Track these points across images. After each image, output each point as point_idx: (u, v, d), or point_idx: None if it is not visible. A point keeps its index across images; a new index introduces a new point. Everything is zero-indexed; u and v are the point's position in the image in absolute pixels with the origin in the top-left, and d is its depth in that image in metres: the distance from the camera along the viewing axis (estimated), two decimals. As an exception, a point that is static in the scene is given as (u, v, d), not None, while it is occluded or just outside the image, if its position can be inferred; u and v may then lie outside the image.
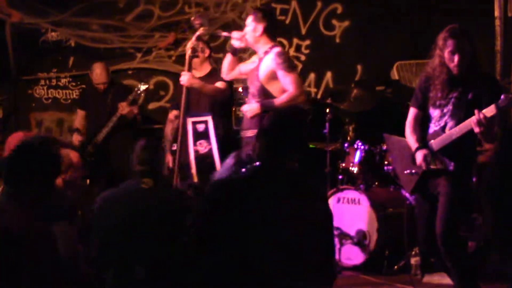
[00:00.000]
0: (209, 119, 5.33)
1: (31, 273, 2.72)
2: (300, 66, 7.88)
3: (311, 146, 6.26)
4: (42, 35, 7.79)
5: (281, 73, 4.89)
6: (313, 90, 7.92)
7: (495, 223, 5.47)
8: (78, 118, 7.01)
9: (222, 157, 3.86)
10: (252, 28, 5.02)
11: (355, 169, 5.89)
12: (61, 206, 3.28)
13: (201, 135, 5.31)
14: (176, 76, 7.84)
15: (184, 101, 5.46)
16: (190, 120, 5.35)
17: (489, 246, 5.40)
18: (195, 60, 5.73)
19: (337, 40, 7.91)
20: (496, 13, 6.61)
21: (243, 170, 3.19)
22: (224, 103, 5.77)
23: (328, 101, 6.31)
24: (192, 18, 5.39)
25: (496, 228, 5.46)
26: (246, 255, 2.92)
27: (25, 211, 2.85)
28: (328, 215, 3.12)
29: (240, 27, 7.71)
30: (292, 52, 7.84)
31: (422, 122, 4.41)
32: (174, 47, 7.92)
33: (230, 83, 5.83)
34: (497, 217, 5.47)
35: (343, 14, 7.88)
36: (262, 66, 5.00)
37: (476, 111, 3.96)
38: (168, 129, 6.27)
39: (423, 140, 4.34)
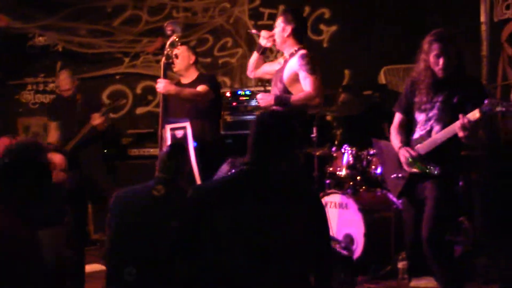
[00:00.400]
0: (187, 125, 5.31)
1: (14, 279, 2.70)
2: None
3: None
4: (29, 40, 7.77)
5: (302, 75, 4.88)
6: (301, 94, 7.93)
7: (485, 226, 5.50)
8: (52, 131, 6.95)
9: (208, 163, 3.85)
10: (280, 28, 5.01)
11: (342, 173, 5.89)
12: (48, 211, 3.27)
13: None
14: (164, 81, 7.89)
15: (162, 108, 5.43)
16: (168, 127, 5.33)
17: (476, 250, 5.41)
18: (180, 67, 5.70)
19: (325, 45, 7.93)
20: (482, 18, 6.63)
21: (232, 171, 3.18)
22: (211, 107, 5.73)
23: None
24: (165, 25, 5.35)
25: (486, 231, 5.48)
26: (233, 259, 2.90)
27: (10, 216, 2.83)
28: (322, 216, 3.09)
29: (228, 31, 7.77)
30: (279, 56, 7.84)
31: (408, 126, 4.44)
32: (161, 51, 7.88)
33: (216, 87, 5.80)
34: (487, 220, 5.49)
35: (331, 18, 7.90)
36: (286, 68, 5.01)
37: (460, 116, 3.98)
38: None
39: (407, 144, 4.36)
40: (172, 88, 5.42)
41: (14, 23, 7.31)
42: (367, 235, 5.47)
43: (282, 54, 5.23)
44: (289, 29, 4.99)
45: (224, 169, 3.71)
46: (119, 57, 7.91)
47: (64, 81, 6.84)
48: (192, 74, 5.81)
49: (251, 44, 7.74)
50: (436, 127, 4.22)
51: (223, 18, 7.78)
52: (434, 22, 7.28)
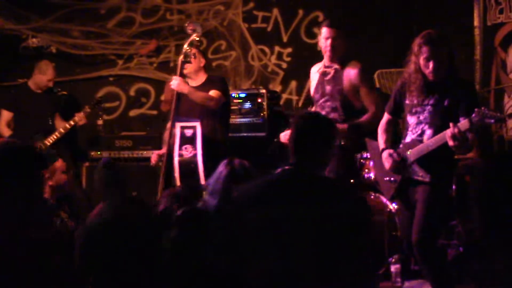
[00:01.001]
0: (197, 125, 5.34)
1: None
2: (281, 73, 7.90)
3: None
4: (22, 41, 7.74)
5: (364, 91, 4.91)
6: (294, 97, 7.93)
7: (480, 229, 5.49)
8: (3, 121, 6.90)
9: (217, 163, 3.78)
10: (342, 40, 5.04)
11: (335, 177, 5.88)
12: (39, 213, 3.25)
13: (188, 140, 5.33)
14: (157, 83, 7.89)
15: (174, 105, 5.46)
16: (178, 125, 5.37)
17: (470, 254, 5.42)
18: (190, 70, 5.68)
19: (319, 48, 7.93)
20: (476, 22, 6.66)
21: (277, 171, 3.18)
22: (221, 108, 5.68)
23: (310, 109, 6.32)
24: (186, 24, 5.37)
25: (481, 234, 5.48)
26: (272, 259, 2.90)
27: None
28: (362, 217, 3.09)
29: (223, 34, 7.76)
30: (273, 59, 7.86)
31: (394, 125, 4.47)
32: (155, 54, 7.90)
33: (227, 91, 5.77)
34: (482, 223, 5.49)
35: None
36: (345, 79, 5.00)
37: (451, 125, 3.94)
38: (167, 134, 6.31)
39: (392, 144, 4.38)
40: (186, 87, 5.44)
41: (7, 24, 7.29)
42: (360, 238, 5.47)
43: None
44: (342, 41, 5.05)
45: (221, 172, 3.67)
46: (113, 59, 7.89)
47: (54, 71, 6.86)
48: (201, 77, 5.76)
49: (245, 47, 7.75)
50: (428, 131, 4.21)
51: (216, 20, 7.77)
52: (426, 26, 7.31)
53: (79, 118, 6.68)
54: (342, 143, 4.80)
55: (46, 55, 7.73)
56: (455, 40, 7.06)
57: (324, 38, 5.04)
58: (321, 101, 5.06)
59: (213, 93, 5.56)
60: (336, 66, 5.04)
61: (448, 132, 3.93)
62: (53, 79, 6.89)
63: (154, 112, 7.93)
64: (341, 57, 5.04)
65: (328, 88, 5.02)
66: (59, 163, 4.18)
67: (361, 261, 3.07)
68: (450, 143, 3.95)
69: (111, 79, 7.93)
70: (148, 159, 7.12)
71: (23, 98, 6.92)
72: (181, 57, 5.46)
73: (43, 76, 6.80)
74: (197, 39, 5.40)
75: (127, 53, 7.84)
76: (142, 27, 7.82)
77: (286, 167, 3.10)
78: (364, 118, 4.92)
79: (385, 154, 4.36)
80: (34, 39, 7.74)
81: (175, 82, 5.41)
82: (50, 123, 6.83)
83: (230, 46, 7.79)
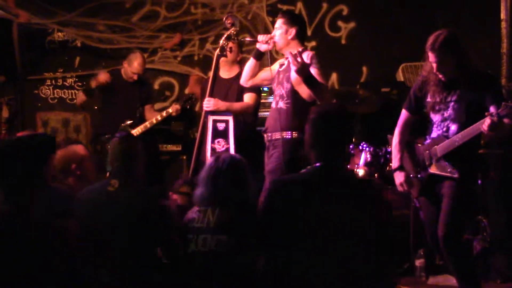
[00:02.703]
0: (230, 119, 5.36)
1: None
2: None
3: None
4: (48, 35, 7.81)
5: (314, 71, 4.74)
6: (318, 91, 7.93)
7: (503, 224, 5.47)
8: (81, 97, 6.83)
9: (248, 156, 3.78)
10: (283, 30, 4.93)
11: (360, 171, 5.88)
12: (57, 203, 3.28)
13: (220, 134, 5.35)
14: (181, 77, 7.92)
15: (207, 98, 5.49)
16: (211, 118, 5.39)
17: (495, 248, 5.39)
18: (225, 60, 5.67)
19: (343, 42, 7.93)
20: (502, 15, 6.59)
21: (303, 170, 3.17)
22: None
23: (334, 102, 6.31)
24: (224, 18, 5.33)
25: (504, 229, 5.46)
26: (301, 256, 2.91)
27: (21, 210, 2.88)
28: (385, 211, 3.10)
29: (247, 28, 7.78)
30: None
31: (414, 125, 4.42)
32: (179, 47, 7.93)
33: (259, 90, 5.72)
34: (505, 218, 5.47)
35: (349, 15, 7.90)
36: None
37: (488, 117, 3.87)
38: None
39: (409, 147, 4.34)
40: (222, 105, 5.45)
41: (34, 19, 7.34)
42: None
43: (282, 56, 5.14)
44: (293, 31, 4.91)
45: (209, 162, 3.67)
46: (137, 52, 7.92)
47: (140, 66, 6.66)
48: (234, 70, 5.74)
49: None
50: (453, 127, 4.18)
51: (241, 14, 7.78)
52: (451, 18, 7.27)
53: (174, 109, 6.52)
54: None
55: (71, 49, 7.80)
56: (481, 33, 7.03)
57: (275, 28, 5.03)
58: (276, 91, 5.01)
59: (249, 98, 5.56)
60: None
61: (487, 121, 3.85)
62: (138, 73, 6.64)
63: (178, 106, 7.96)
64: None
65: (281, 77, 4.98)
66: (83, 151, 4.16)
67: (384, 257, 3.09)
68: (489, 133, 3.87)
69: (135, 72, 7.97)
70: (172, 152, 7.19)
71: (114, 84, 6.71)
72: (217, 51, 5.46)
73: (128, 68, 6.65)
74: (235, 33, 5.39)
75: (152, 47, 7.88)
76: (166, 20, 7.85)
77: (317, 165, 3.07)
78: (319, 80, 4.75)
79: (397, 177, 4.34)
80: (60, 33, 7.81)
81: (209, 104, 5.42)
82: (138, 115, 6.70)
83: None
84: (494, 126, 3.84)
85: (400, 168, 4.35)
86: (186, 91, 7.88)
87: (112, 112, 6.66)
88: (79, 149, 4.16)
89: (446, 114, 4.22)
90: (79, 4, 7.55)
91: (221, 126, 5.36)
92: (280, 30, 4.95)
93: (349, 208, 2.96)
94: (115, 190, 3.69)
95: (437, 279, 5.22)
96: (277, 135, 4.83)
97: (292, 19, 4.97)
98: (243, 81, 5.31)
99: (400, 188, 4.35)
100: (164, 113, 6.53)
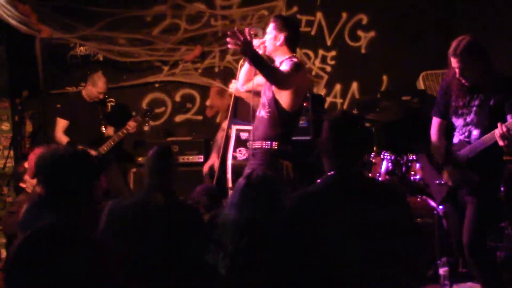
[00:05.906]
0: None
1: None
2: (326, 77, 7.92)
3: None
4: (70, 50, 7.89)
5: (284, 67, 4.61)
6: (339, 101, 7.94)
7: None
8: (60, 129, 7.05)
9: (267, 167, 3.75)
10: (272, 36, 4.74)
11: (381, 180, 5.87)
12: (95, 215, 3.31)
13: (242, 143, 5.40)
14: (202, 89, 7.96)
15: (232, 108, 5.53)
16: (235, 127, 5.44)
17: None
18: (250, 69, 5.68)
19: (363, 51, 7.93)
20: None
21: (318, 180, 3.14)
22: None
23: (354, 111, 6.31)
24: (248, 29, 5.34)
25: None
26: (328, 267, 2.91)
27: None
28: (411, 220, 3.08)
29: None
30: (317, 63, 7.88)
31: (447, 130, 4.41)
32: (200, 59, 7.97)
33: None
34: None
35: (369, 24, 7.90)
36: None
37: (499, 125, 3.90)
38: (219, 136, 6.46)
39: (447, 152, 4.33)
40: (243, 93, 5.45)
41: (56, 34, 7.41)
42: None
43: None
44: (281, 37, 4.70)
45: (241, 183, 3.47)
46: (158, 65, 7.98)
47: (105, 84, 7.05)
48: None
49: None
50: (475, 132, 4.18)
51: (261, 25, 7.79)
52: (470, 26, 7.24)
53: (131, 126, 6.91)
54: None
55: (93, 63, 7.88)
56: (500, 38, 6.98)
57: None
58: (261, 98, 4.84)
59: None
60: (276, 63, 4.81)
61: (497, 132, 3.89)
62: (104, 91, 7.08)
63: (199, 118, 8.01)
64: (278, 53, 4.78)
65: (267, 84, 4.76)
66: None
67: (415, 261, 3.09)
68: (500, 143, 3.91)
69: (157, 85, 8.03)
70: (193, 164, 7.23)
71: (78, 107, 7.09)
72: (241, 61, 5.46)
73: (93, 88, 6.99)
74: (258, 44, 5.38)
75: (173, 59, 7.93)
76: (187, 33, 7.89)
77: (331, 173, 3.07)
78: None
79: (445, 174, 4.33)
80: (82, 47, 7.88)
81: (233, 86, 5.38)
82: (104, 131, 7.09)
83: (274, 51, 7.80)
84: (504, 136, 3.84)
85: (445, 164, 4.35)
86: (207, 103, 7.93)
87: (78, 134, 6.98)
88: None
89: (468, 119, 4.21)
90: (100, 18, 7.62)
91: (244, 135, 5.42)
92: (270, 35, 4.77)
93: (376, 212, 2.96)
94: (162, 204, 3.66)
95: (461, 287, 5.18)
96: (257, 144, 4.70)
97: (282, 25, 4.74)
98: (239, 85, 5.20)
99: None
100: (124, 130, 6.91)
